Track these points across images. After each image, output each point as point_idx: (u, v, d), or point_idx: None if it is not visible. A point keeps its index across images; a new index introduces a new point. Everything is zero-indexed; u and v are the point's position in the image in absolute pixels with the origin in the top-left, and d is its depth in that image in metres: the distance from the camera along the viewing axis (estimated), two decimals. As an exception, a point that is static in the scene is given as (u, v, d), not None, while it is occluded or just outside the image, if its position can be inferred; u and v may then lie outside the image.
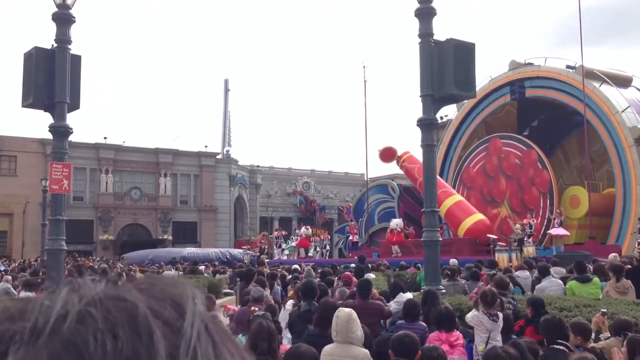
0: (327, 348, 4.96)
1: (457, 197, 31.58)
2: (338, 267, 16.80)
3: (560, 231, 27.29)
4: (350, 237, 37.12)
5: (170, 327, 0.52)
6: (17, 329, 0.50)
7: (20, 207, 43.80)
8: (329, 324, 5.17)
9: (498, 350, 4.22)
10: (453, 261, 15.68)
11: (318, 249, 36.23)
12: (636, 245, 19.55)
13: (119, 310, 0.52)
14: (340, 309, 5.25)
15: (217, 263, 28.75)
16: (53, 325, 0.50)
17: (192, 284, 0.61)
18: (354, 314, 5.01)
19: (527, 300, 7.35)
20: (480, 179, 37.27)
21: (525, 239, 25.84)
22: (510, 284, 9.17)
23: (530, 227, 26.91)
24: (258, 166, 60.49)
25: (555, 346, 5.01)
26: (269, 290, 10.66)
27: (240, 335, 6.49)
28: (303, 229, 35.73)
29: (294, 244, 35.20)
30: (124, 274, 16.14)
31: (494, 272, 12.24)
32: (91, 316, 0.51)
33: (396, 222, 29.93)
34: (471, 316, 6.85)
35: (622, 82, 33.05)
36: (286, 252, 35.33)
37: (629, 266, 10.86)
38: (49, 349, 0.49)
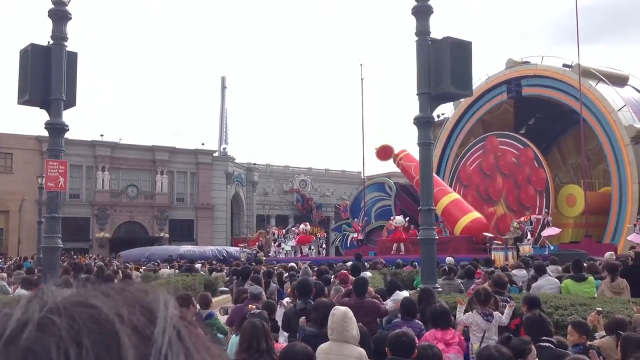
0: (323, 346, 4.96)
1: (454, 195, 31.63)
2: (335, 265, 16.81)
3: (551, 231, 27.20)
4: (355, 235, 36.94)
5: (140, 335, 0.50)
6: None
7: (16, 204, 43.72)
8: (326, 323, 5.17)
9: (491, 350, 4.22)
10: (449, 259, 15.72)
11: (313, 247, 36.23)
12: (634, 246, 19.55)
13: (83, 317, 0.49)
14: (336, 307, 5.25)
15: (214, 262, 28.71)
16: (11, 334, 0.47)
17: (165, 289, 0.58)
18: (350, 313, 5.01)
19: (522, 298, 7.37)
20: (476, 177, 37.32)
21: (527, 237, 25.83)
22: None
23: (531, 223, 26.86)
24: (255, 164, 60.49)
25: (541, 344, 5.03)
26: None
27: (234, 335, 6.48)
28: (302, 225, 35.66)
29: (292, 242, 35.01)
30: (120, 271, 16.10)
31: (492, 269, 12.27)
32: (53, 324, 0.48)
33: (399, 220, 30.00)
34: (465, 316, 6.86)
35: (619, 80, 33.13)
36: (286, 249, 35.28)
37: (621, 266, 10.84)
38: (6, 359, 0.46)
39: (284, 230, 38.07)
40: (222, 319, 8.24)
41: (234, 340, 6.23)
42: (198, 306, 7.52)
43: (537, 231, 29.37)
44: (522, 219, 27.44)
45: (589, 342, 5.45)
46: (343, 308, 5.11)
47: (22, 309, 0.50)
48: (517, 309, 7.39)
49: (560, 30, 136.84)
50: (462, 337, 6.31)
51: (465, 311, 7.06)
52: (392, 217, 31.53)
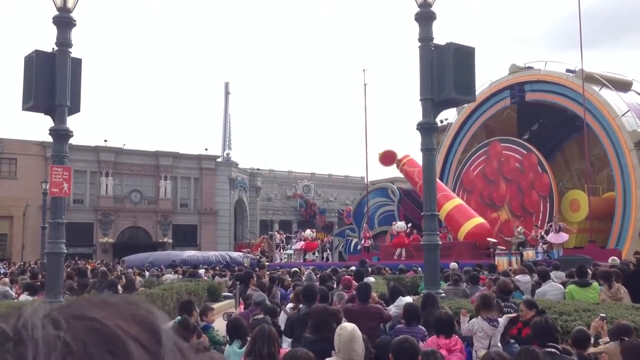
0: None
1: (457, 201, 31.58)
2: (338, 271, 16.78)
3: (559, 237, 27.03)
4: (362, 242, 36.88)
5: (147, 351, 0.48)
6: None
7: (21, 209, 43.82)
8: (324, 328, 5.14)
9: (492, 355, 4.21)
10: (453, 265, 15.69)
11: (317, 253, 36.18)
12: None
13: (87, 332, 0.46)
14: (343, 324, 5.12)
15: (218, 267, 28.68)
16: (16, 353, 0.44)
17: (152, 303, 0.55)
18: (357, 332, 4.86)
19: (522, 302, 7.39)
20: (480, 182, 37.25)
21: (540, 244, 25.79)
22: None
23: (543, 237, 26.65)
24: (258, 169, 60.54)
25: (546, 349, 5.02)
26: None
27: (228, 346, 6.49)
28: (308, 231, 35.54)
29: (297, 246, 34.89)
30: (123, 277, 16.11)
31: (495, 276, 12.23)
32: (59, 339, 0.45)
33: (401, 225, 30.11)
34: (470, 323, 6.82)
35: (622, 86, 33.06)
36: (286, 254, 35.24)
37: (619, 272, 10.76)
38: None
39: (284, 235, 37.97)
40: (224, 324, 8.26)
41: (228, 350, 6.25)
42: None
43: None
44: (540, 231, 27.27)
45: (591, 350, 5.44)
46: (350, 327, 4.91)
47: (24, 321, 0.47)
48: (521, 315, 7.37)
49: (561, 35, 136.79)
50: (463, 345, 6.30)
51: (471, 317, 7.03)
52: (393, 222, 31.52)
